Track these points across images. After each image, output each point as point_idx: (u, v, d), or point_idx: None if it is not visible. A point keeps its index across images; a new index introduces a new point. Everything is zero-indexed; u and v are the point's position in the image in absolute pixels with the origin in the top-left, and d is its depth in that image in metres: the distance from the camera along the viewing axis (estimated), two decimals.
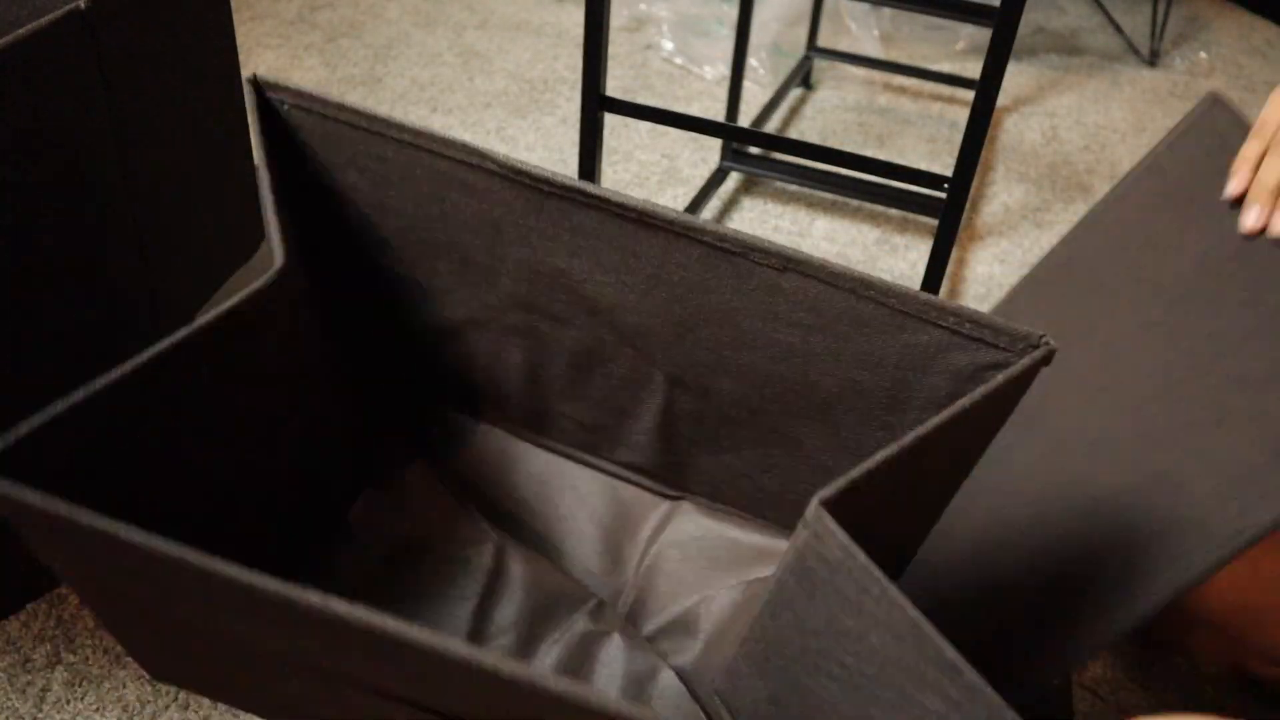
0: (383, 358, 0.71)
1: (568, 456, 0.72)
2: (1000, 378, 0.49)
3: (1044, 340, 0.52)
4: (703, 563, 0.69)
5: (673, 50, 1.79)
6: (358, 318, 0.68)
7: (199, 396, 0.49)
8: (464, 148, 0.58)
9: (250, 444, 0.54)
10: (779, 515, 0.70)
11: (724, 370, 0.62)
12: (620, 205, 0.57)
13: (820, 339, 0.58)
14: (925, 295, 0.54)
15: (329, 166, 0.60)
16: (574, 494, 0.72)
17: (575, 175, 1.41)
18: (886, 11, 1.93)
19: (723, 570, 0.68)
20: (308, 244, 0.61)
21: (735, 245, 0.56)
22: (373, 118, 0.58)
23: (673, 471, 0.71)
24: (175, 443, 0.49)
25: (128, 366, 0.45)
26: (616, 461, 0.72)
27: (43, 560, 0.46)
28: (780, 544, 0.69)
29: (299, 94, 0.57)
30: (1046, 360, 0.51)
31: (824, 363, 0.59)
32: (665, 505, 0.72)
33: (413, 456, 0.71)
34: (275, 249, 0.50)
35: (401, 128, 0.58)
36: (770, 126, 1.60)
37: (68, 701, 0.77)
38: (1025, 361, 0.51)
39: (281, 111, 0.58)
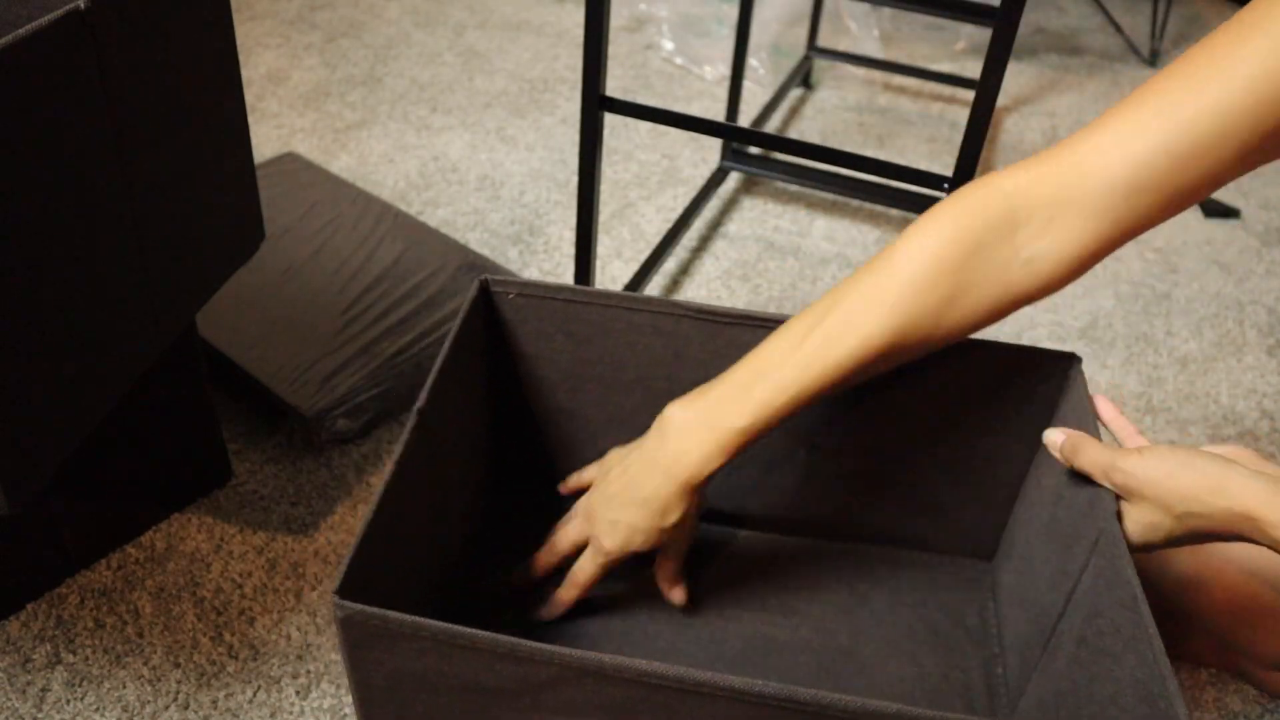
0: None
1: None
2: None
3: None
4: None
5: (673, 50, 1.79)
6: (527, 444, 0.85)
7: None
8: (656, 300, 0.75)
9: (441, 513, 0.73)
10: (932, 539, 0.83)
11: (851, 433, 0.77)
12: (775, 320, 0.73)
13: (923, 379, 0.74)
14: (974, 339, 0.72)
15: (538, 334, 0.77)
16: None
17: (575, 175, 1.41)
18: (886, 11, 1.93)
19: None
20: (499, 393, 0.80)
21: None
22: (581, 291, 0.75)
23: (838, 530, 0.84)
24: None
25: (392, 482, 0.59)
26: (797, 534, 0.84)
27: (356, 672, 0.55)
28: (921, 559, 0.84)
29: (523, 284, 0.75)
30: None
31: (923, 407, 0.75)
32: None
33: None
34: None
35: (606, 295, 0.75)
36: (770, 126, 1.60)
37: (68, 701, 0.77)
38: None
39: (506, 300, 0.75)
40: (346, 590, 0.52)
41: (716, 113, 1.62)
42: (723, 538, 0.82)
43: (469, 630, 0.50)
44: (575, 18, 1.91)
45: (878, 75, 1.78)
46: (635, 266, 1.27)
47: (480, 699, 0.54)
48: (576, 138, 1.55)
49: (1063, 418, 0.71)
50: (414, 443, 0.62)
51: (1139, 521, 0.61)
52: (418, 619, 0.50)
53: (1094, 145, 0.60)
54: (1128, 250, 1.40)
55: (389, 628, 0.51)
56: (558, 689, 0.52)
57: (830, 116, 1.66)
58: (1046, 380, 0.72)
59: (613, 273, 1.27)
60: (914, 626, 0.77)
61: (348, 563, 0.53)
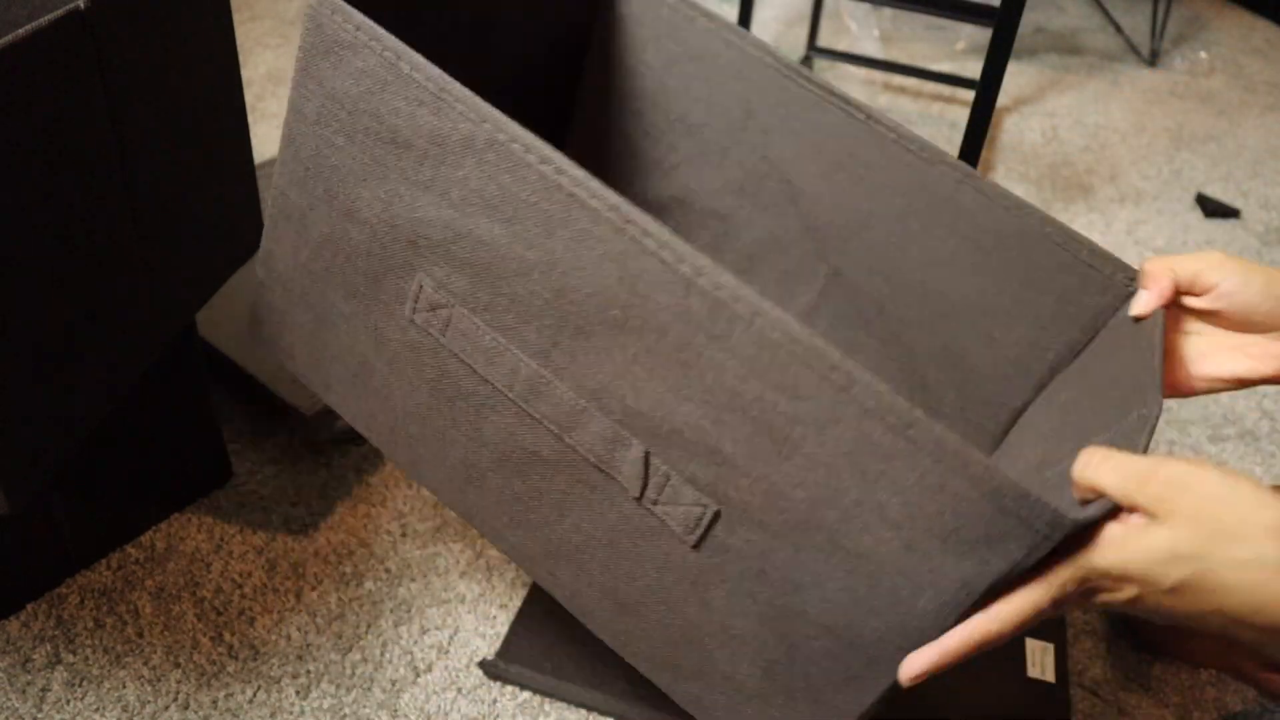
0: None
1: None
2: None
3: None
4: None
5: None
6: None
7: None
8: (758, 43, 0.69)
9: None
10: None
11: (878, 270, 0.70)
12: (856, 108, 0.67)
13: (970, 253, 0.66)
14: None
15: (634, 42, 0.70)
16: None
17: None
18: (886, 11, 1.93)
19: None
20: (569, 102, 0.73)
21: (933, 156, 0.66)
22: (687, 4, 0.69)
23: None
24: None
25: None
26: None
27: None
28: None
29: None
30: None
31: (963, 272, 0.67)
32: None
33: None
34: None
35: (711, 17, 0.68)
36: None
37: (68, 701, 0.77)
38: None
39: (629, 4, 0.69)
40: None
41: None
42: None
43: (420, 58, 0.49)
44: None
45: (878, 75, 1.78)
46: None
47: (391, 155, 0.52)
48: None
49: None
50: None
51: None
52: (382, 32, 0.50)
53: None
54: (1128, 251, 1.40)
55: (356, 29, 0.50)
56: (464, 160, 0.49)
57: None
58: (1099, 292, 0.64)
59: None
60: None
61: None
